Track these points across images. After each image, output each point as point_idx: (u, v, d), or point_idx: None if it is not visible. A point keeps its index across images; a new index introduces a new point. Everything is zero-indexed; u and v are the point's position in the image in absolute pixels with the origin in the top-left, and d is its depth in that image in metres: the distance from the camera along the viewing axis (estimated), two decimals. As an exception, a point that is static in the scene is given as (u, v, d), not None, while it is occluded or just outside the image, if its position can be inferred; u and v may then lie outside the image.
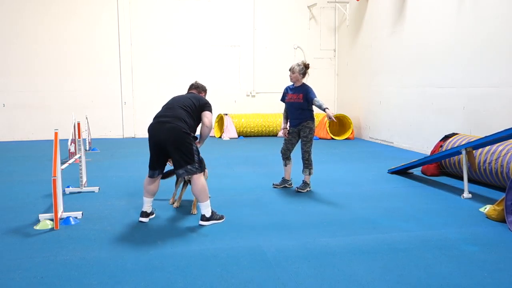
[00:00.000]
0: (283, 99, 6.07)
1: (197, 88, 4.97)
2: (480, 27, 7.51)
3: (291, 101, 5.89)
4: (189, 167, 4.27)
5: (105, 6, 12.06)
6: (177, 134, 4.25)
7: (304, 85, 5.89)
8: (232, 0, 12.79)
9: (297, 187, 5.97)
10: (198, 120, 4.66)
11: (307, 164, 5.89)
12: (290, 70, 5.88)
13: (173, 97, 4.75)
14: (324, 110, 5.57)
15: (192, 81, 5.12)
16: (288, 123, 6.03)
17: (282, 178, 6.16)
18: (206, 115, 4.63)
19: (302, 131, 5.85)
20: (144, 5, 12.30)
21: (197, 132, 4.59)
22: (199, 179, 4.35)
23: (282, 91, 6.08)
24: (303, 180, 5.97)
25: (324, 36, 13.43)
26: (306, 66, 5.85)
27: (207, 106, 4.67)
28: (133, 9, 12.23)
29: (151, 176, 4.51)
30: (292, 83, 5.96)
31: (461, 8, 7.95)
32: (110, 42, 12.17)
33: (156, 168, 4.49)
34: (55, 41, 11.88)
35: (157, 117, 4.45)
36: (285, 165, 6.05)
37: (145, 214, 4.58)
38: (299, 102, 5.80)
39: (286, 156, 6.03)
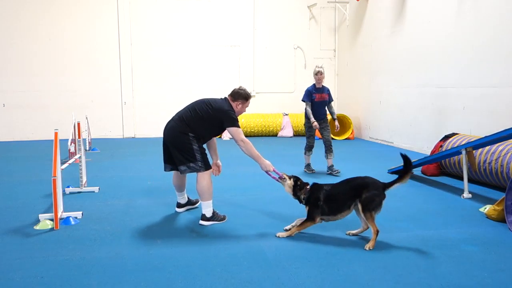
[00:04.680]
0: (309, 99, 6.99)
1: (232, 96, 4.52)
2: (480, 27, 7.51)
3: (320, 100, 7.01)
4: (191, 164, 4.34)
5: (105, 6, 12.07)
6: (173, 134, 4.41)
7: (324, 86, 7.11)
8: (232, 0, 12.79)
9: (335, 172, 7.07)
10: (214, 127, 4.46)
11: (331, 148, 7.15)
12: (319, 73, 6.90)
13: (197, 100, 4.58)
14: (334, 119, 7.15)
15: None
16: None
17: (308, 164, 7.27)
18: (230, 131, 4.32)
19: (325, 122, 7.14)
20: (144, 5, 12.30)
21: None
22: (203, 177, 4.39)
23: (305, 92, 7.05)
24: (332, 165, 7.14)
25: (324, 36, 13.43)
26: None
27: (226, 121, 4.32)
28: (133, 9, 12.23)
29: (165, 169, 4.69)
30: (312, 85, 7.07)
31: (461, 8, 7.95)
32: (110, 42, 12.17)
33: (166, 162, 4.65)
34: (55, 41, 11.89)
35: None
36: (310, 154, 7.22)
37: (178, 205, 4.92)
38: (325, 100, 7.06)
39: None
